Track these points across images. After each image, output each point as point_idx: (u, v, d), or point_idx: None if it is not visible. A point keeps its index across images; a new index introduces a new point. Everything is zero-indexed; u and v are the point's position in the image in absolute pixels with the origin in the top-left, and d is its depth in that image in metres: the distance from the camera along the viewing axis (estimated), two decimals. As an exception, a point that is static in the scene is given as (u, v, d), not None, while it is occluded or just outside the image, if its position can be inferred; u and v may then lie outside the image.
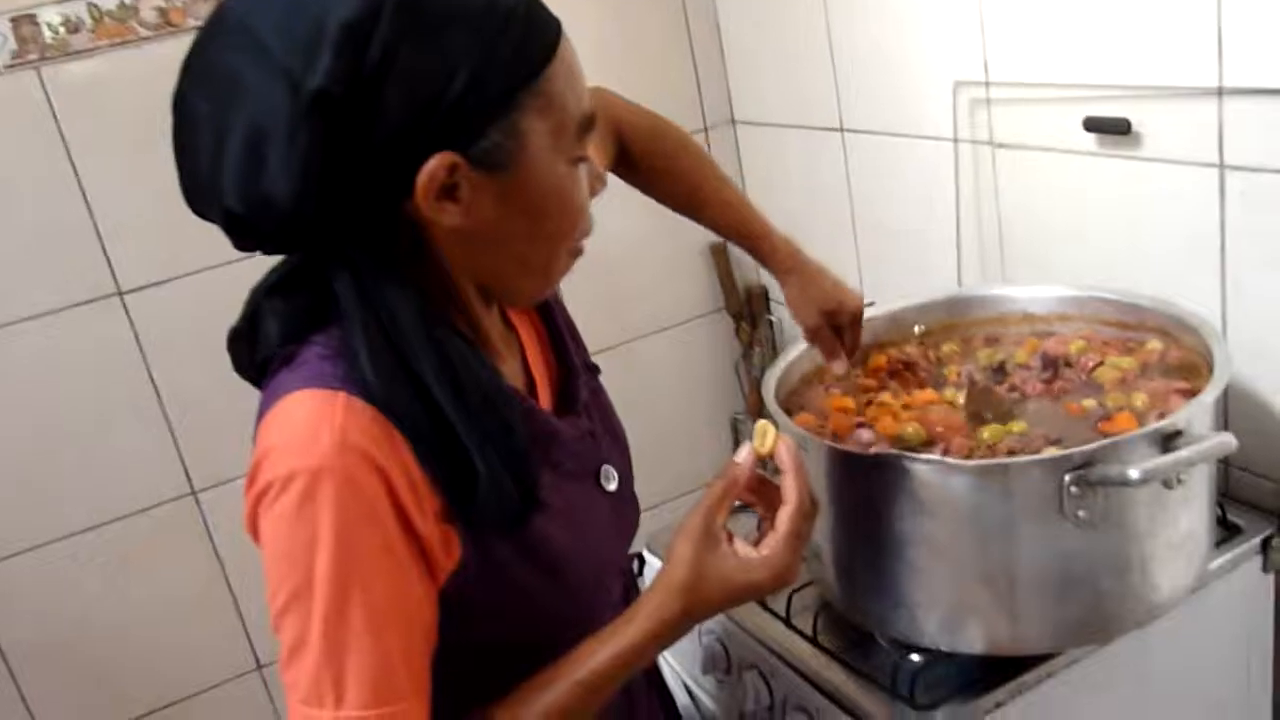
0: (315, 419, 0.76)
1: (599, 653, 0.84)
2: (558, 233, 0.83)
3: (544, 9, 0.80)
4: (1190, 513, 1.11)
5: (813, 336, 1.32)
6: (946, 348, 1.40)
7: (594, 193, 0.86)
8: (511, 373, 0.93)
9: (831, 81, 1.89)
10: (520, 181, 0.79)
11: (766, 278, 2.33)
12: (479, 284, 0.86)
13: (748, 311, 2.34)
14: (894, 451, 1.08)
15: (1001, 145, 1.58)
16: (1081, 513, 1.01)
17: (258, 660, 2.02)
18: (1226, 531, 1.29)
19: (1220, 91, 1.24)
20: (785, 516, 0.86)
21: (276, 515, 0.76)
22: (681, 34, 2.15)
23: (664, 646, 0.87)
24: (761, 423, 0.90)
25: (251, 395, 0.85)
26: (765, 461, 0.91)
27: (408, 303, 0.78)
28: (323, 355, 0.80)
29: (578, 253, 0.88)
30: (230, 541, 1.94)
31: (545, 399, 0.96)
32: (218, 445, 1.81)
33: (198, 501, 1.90)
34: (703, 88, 2.20)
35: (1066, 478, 1.00)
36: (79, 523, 1.85)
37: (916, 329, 1.45)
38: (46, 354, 1.77)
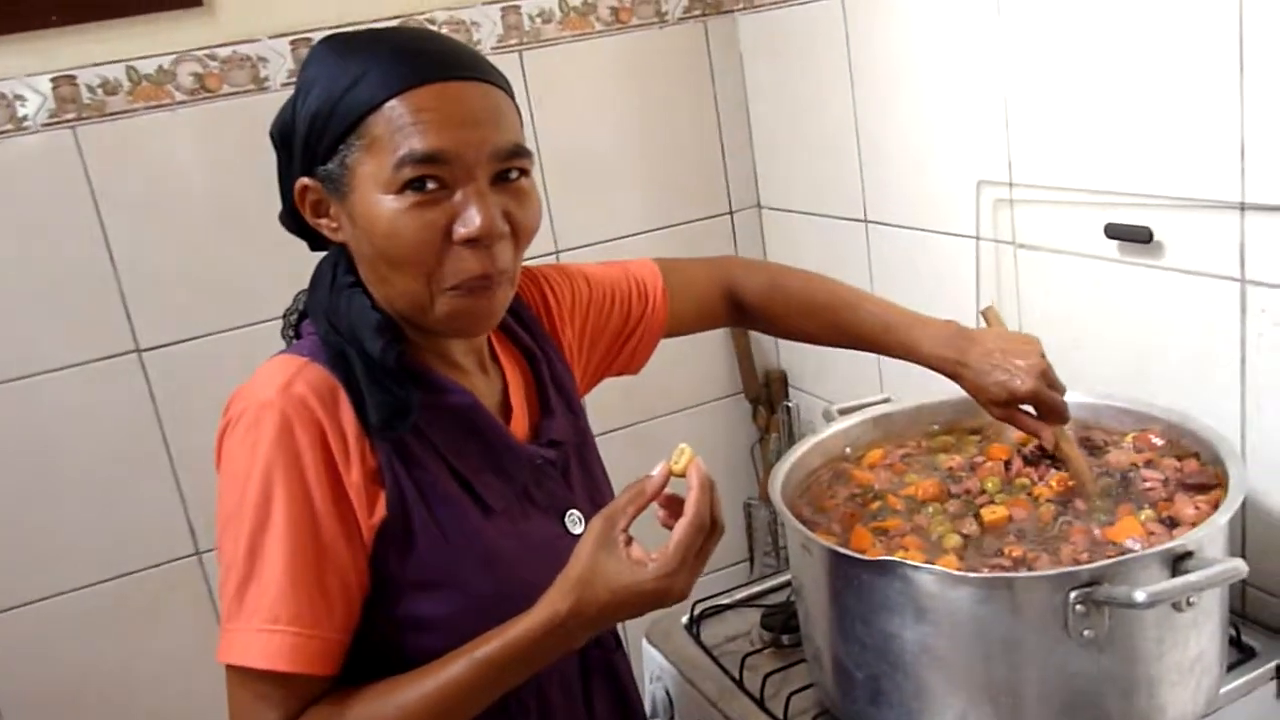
0: (275, 371, 0.95)
1: (491, 641, 0.92)
2: (398, 261, 0.94)
3: (392, 71, 0.92)
4: (1201, 635, 1.08)
5: (1007, 421, 1.28)
6: (939, 441, 1.41)
7: (466, 238, 0.93)
8: (487, 393, 1.07)
9: (858, 173, 1.91)
10: (354, 207, 0.95)
11: (786, 361, 2.36)
12: (389, 304, 0.99)
13: (766, 396, 2.34)
14: (895, 558, 1.06)
15: (1023, 246, 1.59)
16: (1087, 632, 1.00)
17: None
18: (1240, 654, 1.26)
19: (1243, 206, 1.25)
20: (679, 527, 0.92)
21: (227, 445, 0.94)
22: (711, 119, 2.19)
23: (555, 646, 0.93)
24: (681, 445, 0.95)
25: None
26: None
27: (360, 299, 0.98)
28: (309, 333, 1.01)
29: (469, 291, 0.95)
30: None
31: (521, 429, 1.08)
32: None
33: (201, 562, 1.91)
34: (730, 172, 2.23)
35: (1072, 595, 0.99)
36: (84, 577, 1.85)
37: (930, 428, 1.45)
38: (63, 407, 1.78)
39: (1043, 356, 1.22)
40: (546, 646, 0.93)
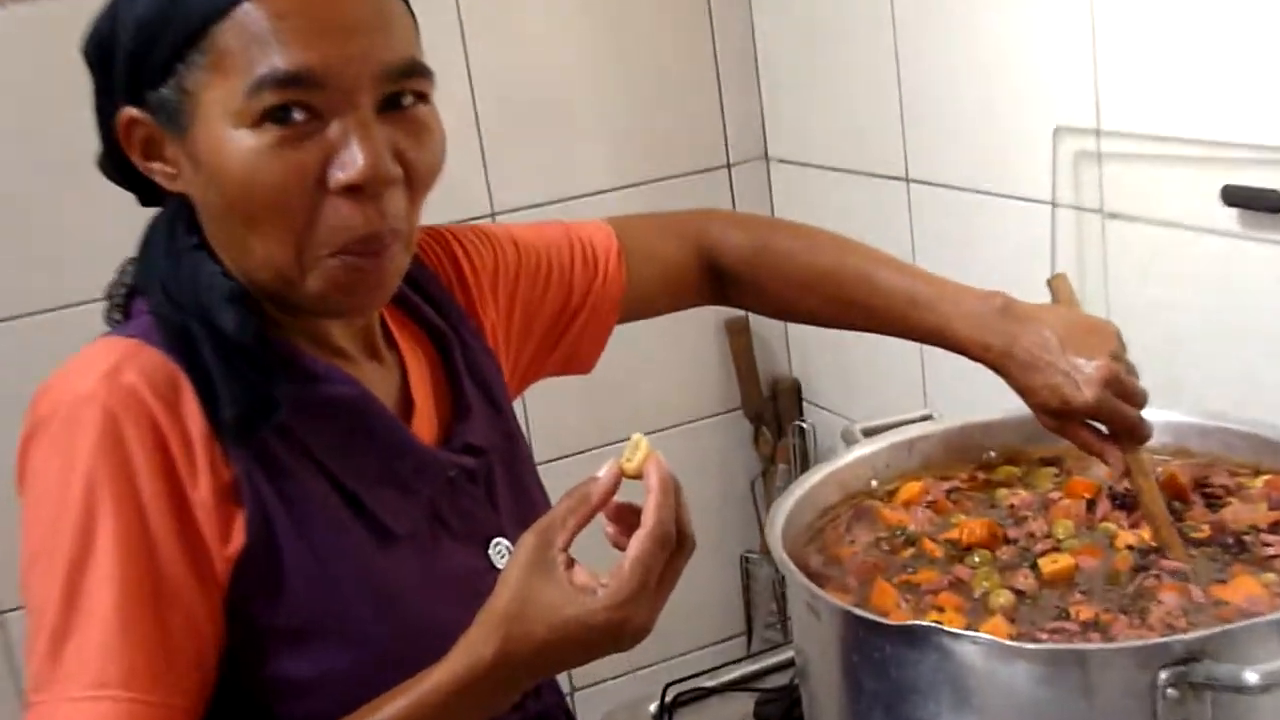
0: (95, 357, 0.94)
1: (394, 700, 0.92)
2: (256, 218, 0.94)
3: None
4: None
5: (1062, 435, 1.29)
6: (1002, 472, 1.41)
7: (346, 184, 0.93)
8: (380, 385, 1.07)
9: (897, 118, 1.92)
10: (199, 146, 0.94)
11: (799, 366, 2.37)
12: (244, 273, 0.99)
13: (773, 413, 2.35)
14: (927, 623, 1.06)
15: (1114, 215, 1.60)
16: (1182, 725, 0.99)
17: None
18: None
19: (1401, 165, 1.26)
20: (636, 541, 0.92)
21: (33, 457, 0.92)
22: (705, 49, 2.22)
23: (480, 705, 0.93)
24: (635, 436, 0.96)
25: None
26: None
27: (207, 263, 0.98)
28: (141, 311, 1.00)
29: (352, 257, 0.95)
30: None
31: (427, 430, 1.10)
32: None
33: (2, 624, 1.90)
34: (729, 116, 2.25)
35: (1162, 675, 0.98)
36: None
37: (986, 455, 1.44)
38: None
39: (1116, 354, 1.21)
40: (468, 705, 0.93)
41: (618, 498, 0.96)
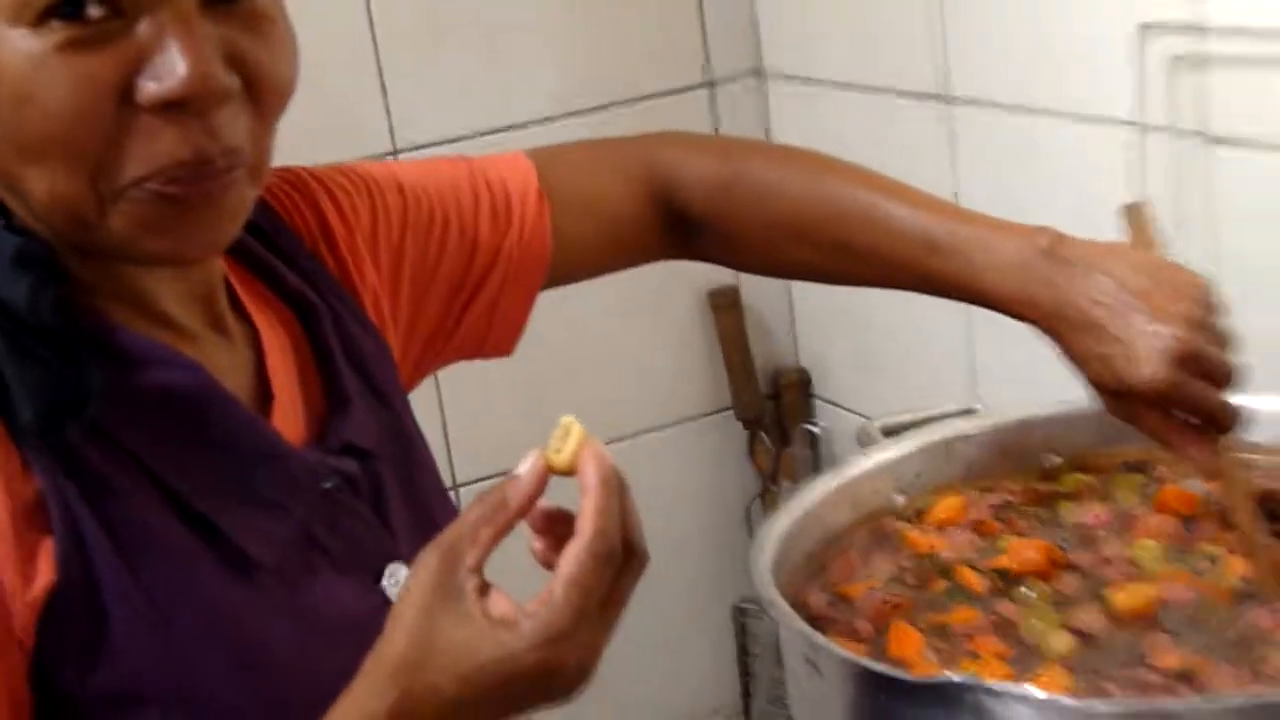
0: None
1: None
2: (39, 144, 0.93)
3: None
4: None
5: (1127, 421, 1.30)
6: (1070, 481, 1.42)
7: (160, 99, 0.92)
8: (228, 368, 1.08)
9: (934, 20, 1.94)
10: None
11: (807, 354, 2.38)
12: (31, 218, 0.99)
13: (774, 414, 2.37)
14: (960, 677, 1.04)
15: (1222, 140, 1.60)
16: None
17: None
18: None
19: None
20: (568, 556, 0.91)
21: None
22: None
23: None
24: (565, 419, 0.96)
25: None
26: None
27: None
28: None
29: (173, 184, 0.95)
30: None
31: (293, 428, 1.11)
32: None
33: None
34: (709, 22, 2.27)
35: (1272, 748, 0.98)
36: None
37: (1046, 460, 1.45)
38: None
39: (1197, 318, 1.20)
40: None
41: (545, 500, 0.95)
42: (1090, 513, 1.35)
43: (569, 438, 0.95)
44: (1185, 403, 1.21)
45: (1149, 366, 1.18)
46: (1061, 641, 1.16)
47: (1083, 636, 1.17)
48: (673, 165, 1.38)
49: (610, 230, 1.37)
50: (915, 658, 1.18)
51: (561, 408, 2.23)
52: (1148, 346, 1.18)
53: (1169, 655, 1.12)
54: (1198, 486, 1.35)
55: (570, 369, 2.25)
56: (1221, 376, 1.21)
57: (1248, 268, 1.58)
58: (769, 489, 2.37)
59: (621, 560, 0.92)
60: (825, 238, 1.34)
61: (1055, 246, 1.25)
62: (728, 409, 2.36)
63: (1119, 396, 1.23)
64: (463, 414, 2.18)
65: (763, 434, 2.36)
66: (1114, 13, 1.66)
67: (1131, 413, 1.24)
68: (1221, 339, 1.22)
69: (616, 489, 0.93)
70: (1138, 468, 1.42)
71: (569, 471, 0.94)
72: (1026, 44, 1.81)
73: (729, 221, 1.37)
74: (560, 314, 2.15)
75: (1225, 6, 1.55)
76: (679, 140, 1.42)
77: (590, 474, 0.92)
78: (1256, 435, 1.38)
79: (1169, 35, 1.61)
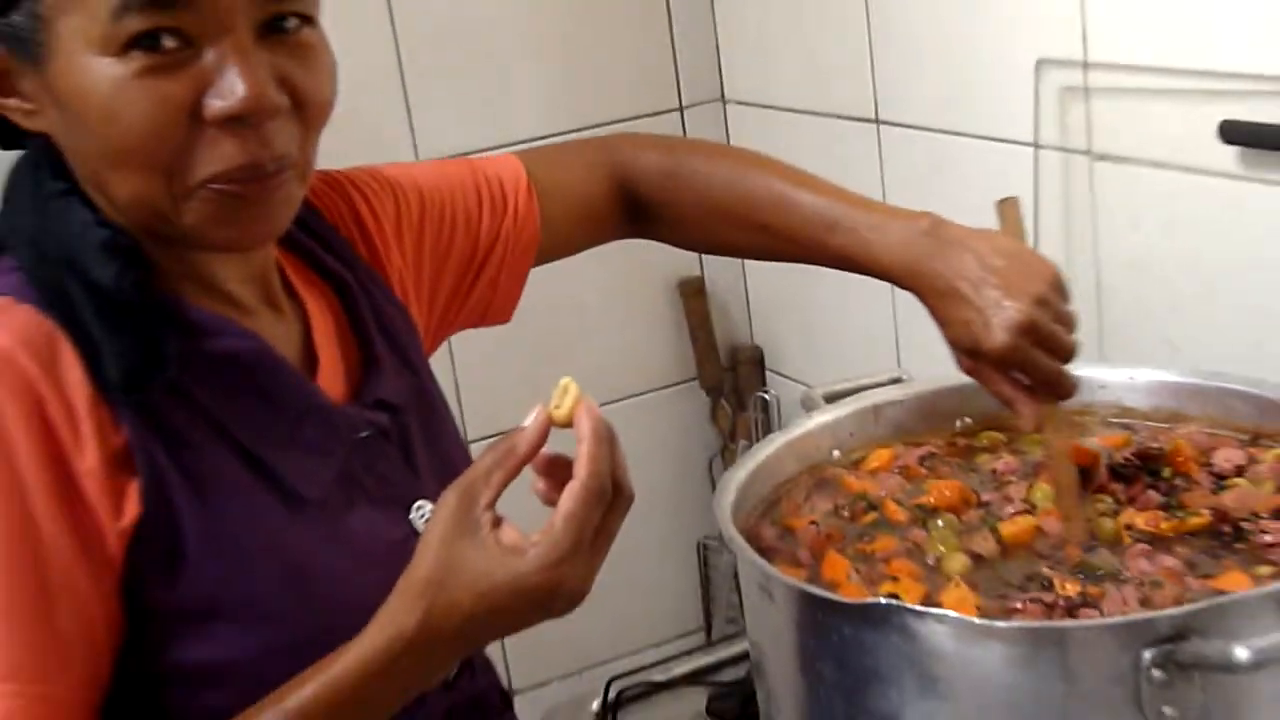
0: None
1: (307, 684, 0.94)
2: (123, 153, 0.95)
3: None
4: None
5: (975, 378, 1.31)
6: (986, 437, 1.44)
7: (224, 115, 0.95)
8: (280, 338, 1.10)
9: (866, 55, 1.94)
10: (58, 79, 0.95)
11: (761, 334, 2.40)
12: (116, 214, 1.01)
13: (732, 385, 2.37)
14: (887, 600, 1.08)
15: (1103, 157, 1.62)
16: (1167, 709, 1.01)
17: None
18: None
19: None
20: (568, 494, 0.94)
21: None
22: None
23: (405, 680, 0.96)
24: (564, 380, 0.98)
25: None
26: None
27: (79, 210, 0.99)
28: (7, 269, 1.00)
29: (234, 184, 0.97)
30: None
31: (335, 386, 1.12)
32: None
33: None
34: (680, 56, 2.27)
35: (1146, 655, 1.00)
36: None
37: (959, 422, 1.47)
38: None
39: (1044, 297, 1.21)
40: (391, 683, 0.95)
41: (547, 448, 0.98)
42: (1002, 462, 1.37)
43: (567, 396, 0.97)
44: (1024, 367, 1.22)
45: (997, 333, 1.19)
46: (957, 563, 1.19)
47: (976, 559, 1.19)
48: (628, 160, 1.39)
49: (582, 213, 1.38)
50: (842, 579, 1.20)
51: (557, 376, 2.25)
52: (999, 316, 1.20)
53: (1070, 584, 1.14)
54: (1095, 443, 1.37)
55: (563, 344, 2.25)
56: (1060, 349, 1.22)
57: (1123, 261, 1.62)
58: (728, 446, 2.38)
59: (611, 498, 0.96)
60: (748, 220, 1.35)
61: (934, 228, 1.26)
62: (694, 379, 2.37)
63: (972, 356, 1.24)
64: (473, 385, 2.18)
65: (723, 400, 2.36)
66: (1015, 51, 1.68)
67: (980, 372, 1.25)
68: (1065, 318, 1.23)
69: (607, 439, 0.96)
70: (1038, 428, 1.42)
71: (567, 424, 0.97)
72: (943, 77, 1.82)
73: (671, 206, 1.39)
74: (556, 298, 2.18)
75: (1105, 46, 1.58)
76: (635, 139, 1.44)
77: (585, 426, 0.95)
78: (1133, 402, 1.42)
79: (1060, 69, 1.63)
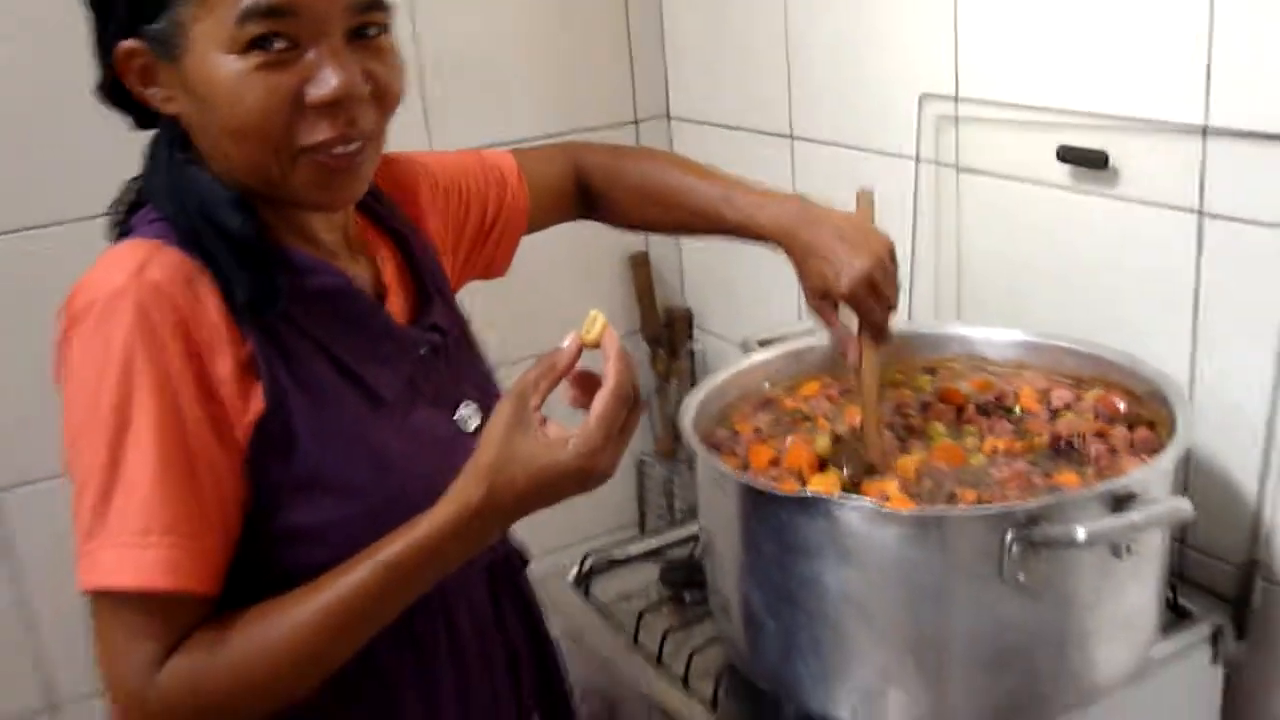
0: (123, 257, 0.96)
1: (395, 542, 0.95)
2: (243, 130, 0.97)
3: None
4: (1139, 587, 1.17)
5: (819, 315, 1.35)
6: (891, 374, 1.46)
7: (321, 101, 0.97)
8: (358, 276, 1.11)
9: (784, 82, 1.95)
10: (190, 72, 0.97)
11: (691, 297, 2.40)
12: (234, 179, 1.02)
13: (667, 337, 2.38)
14: (818, 493, 1.12)
15: (967, 170, 1.66)
16: (1022, 576, 1.06)
17: (51, 701, 1.98)
18: (1176, 616, 1.36)
19: (1205, 131, 1.33)
20: (599, 399, 0.96)
21: (74, 347, 0.94)
22: (619, 16, 2.23)
23: (468, 542, 0.97)
24: (593, 312, 0.99)
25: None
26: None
27: (205, 175, 1.01)
28: (150, 220, 1.01)
29: (328, 153, 0.98)
30: (35, 555, 1.91)
31: (399, 314, 1.13)
32: (26, 440, 1.79)
33: (-3, 501, 1.88)
34: (637, 77, 2.26)
35: (1008, 535, 1.05)
36: None
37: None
38: None
39: (884, 262, 1.27)
40: (459, 543, 0.97)
41: (580, 364, 1.00)
42: (902, 395, 1.42)
43: (595, 324, 0.99)
44: (859, 310, 1.28)
45: (845, 281, 1.25)
46: (823, 442, 1.27)
47: (838, 439, 1.29)
48: (582, 160, 1.42)
49: (552, 197, 1.39)
50: (765, 466, 1.27)
51: (529, 331, 2.27)
52: (847, 269, 1.25)
53: (967, 493, 1.19)
54: (964, 388, 1.43)
55: (536, 305, 2.17)
56: (887, 302, 1.28)
57: (980, 251, 1.67)
58: (663, 386, 2.39)
59: (633, 403, 0.98)
60: (666, 204, 1.38)
61: (803, 207, 1.31)
62: (636, 331, 2.38)
63: (821, 299, 1.28)
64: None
65: (660, 350, 2.37)
66: (903, 86, 1.70)
67: (823, 311, 1.30)
68: (894, 279, 1.29)
69: (626, 355, 0.99)
70: (930, 370, 1.49)
71: (595, 345, 0.99)
72: (845, 104, 1.84)
73: (611, 194, 1.41)
74: (532, 265, 2.18)
75: (973, 84, 1.61)
76: (589, 145, 1.46)
77: (611, 347, 0.98)
78: (991, 355, 1.48)
79: (938, 102, 1.66)
